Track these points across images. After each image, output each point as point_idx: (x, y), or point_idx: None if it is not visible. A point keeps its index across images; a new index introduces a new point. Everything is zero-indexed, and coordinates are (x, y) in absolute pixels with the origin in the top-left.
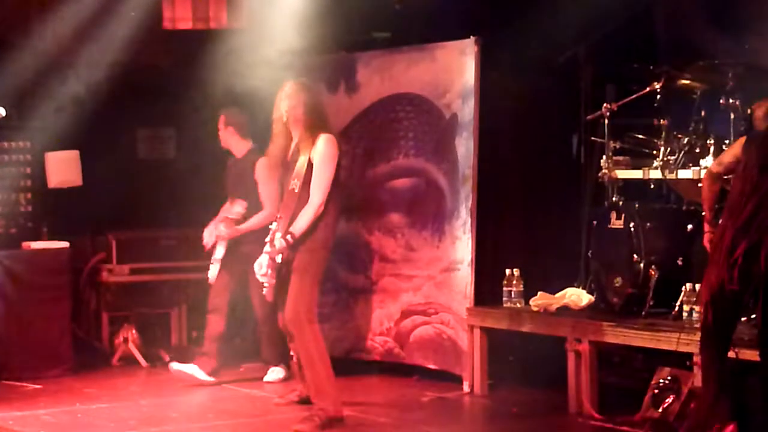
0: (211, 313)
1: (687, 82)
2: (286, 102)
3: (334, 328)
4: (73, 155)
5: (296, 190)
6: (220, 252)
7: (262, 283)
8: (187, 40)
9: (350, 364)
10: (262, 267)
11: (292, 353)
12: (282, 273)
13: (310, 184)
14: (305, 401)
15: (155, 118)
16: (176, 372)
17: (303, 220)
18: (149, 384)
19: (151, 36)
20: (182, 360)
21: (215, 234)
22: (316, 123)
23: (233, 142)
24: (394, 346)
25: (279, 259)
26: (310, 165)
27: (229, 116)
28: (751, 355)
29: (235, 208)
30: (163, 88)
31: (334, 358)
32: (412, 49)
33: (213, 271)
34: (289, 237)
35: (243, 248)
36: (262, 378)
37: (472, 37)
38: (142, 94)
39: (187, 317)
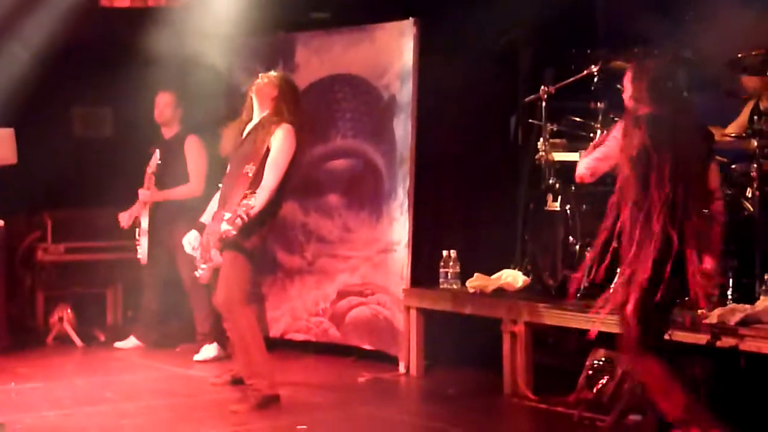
0: (145, 289)
1: (624, 66)
2: (262, 82)
3: (270, 309)
4: (7, 133)
5: (250, 175)
6: (144, 222)
7: (196, 263)
8: (124, 18)
9: (286, 344)
10: (191, 243)
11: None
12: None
13: (263, 169)
14: (239, 381)
15: (92, 97)
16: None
17: (258, 203)
18: (84, 363)
19: (88, 13)
20: (119, 339)
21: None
22: (283, 112)
23: (174, 121)
24: (329, 326)
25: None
26: (267, 151)
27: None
28: (684, 336)
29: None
30: (100, 67)
31: (269, 339)
32: (351, 30)
33: (143, 247)
34: (238, 220)
35: (169, 224)
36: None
37: (411, 18)
38: (79, 72)
39: (122, 297)
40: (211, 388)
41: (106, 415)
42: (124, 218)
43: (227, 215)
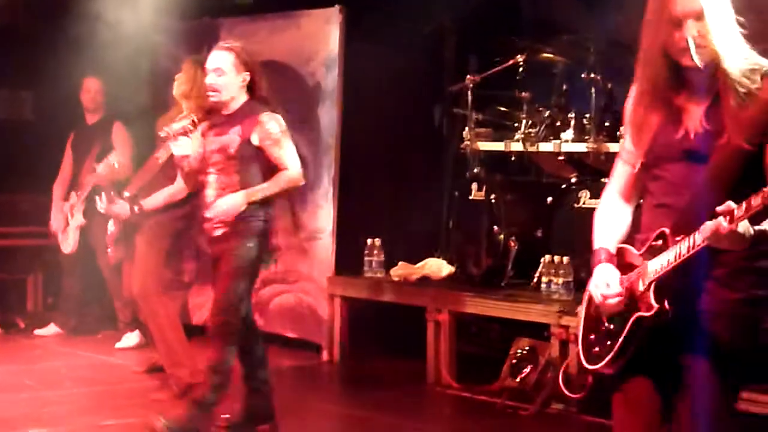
0: (66, 276)
1: (550, 56)
2: (179, 80)
3: (193, 296)
4: None
5: (160, 161)
6: (78, 219)
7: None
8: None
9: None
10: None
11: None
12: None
13: None
14: (160, 369)
15: (12, 80)
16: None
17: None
18: (4, 350)
19: None
20: (39, 326)
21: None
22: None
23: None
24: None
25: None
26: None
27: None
28: None
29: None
30: (21, 49)
31: (192, 326)
32: (276, 16)
33: (71, 240)
34: (136, 208)
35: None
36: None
37: (336, 5)
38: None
39: (43, 283)
40: (133, 376)
41: (27, 403)
42: (59, 220)
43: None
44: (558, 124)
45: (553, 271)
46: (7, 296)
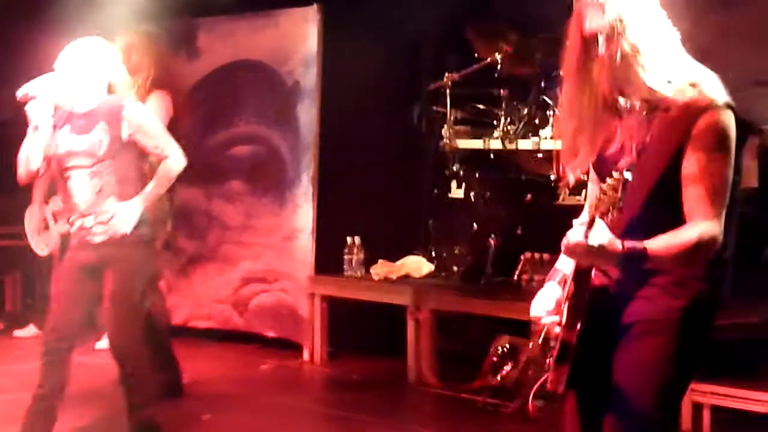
0: (45, 276)
1: (528, 53)
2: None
3: (172, 296)
4: None
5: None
6: (64, 226)
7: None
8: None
9: (189, 332)
10: None
11: None
12: None
13: None
14: None
15: None
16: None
17: None
18: None
19: None
20: (18, 327)
21: None
22: None
23: None
24: (232, 313)
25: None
26: None
27: None
28: None
29: None
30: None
31: (172, 326)
32: (255, 16)
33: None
34: None
35: None
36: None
37: (315, 4)
38: None
39: (21, 284)
40: (114, 376)
41: (6, 405)
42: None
43: None
44: (536, 121)
45: (533, 268)
46: None
